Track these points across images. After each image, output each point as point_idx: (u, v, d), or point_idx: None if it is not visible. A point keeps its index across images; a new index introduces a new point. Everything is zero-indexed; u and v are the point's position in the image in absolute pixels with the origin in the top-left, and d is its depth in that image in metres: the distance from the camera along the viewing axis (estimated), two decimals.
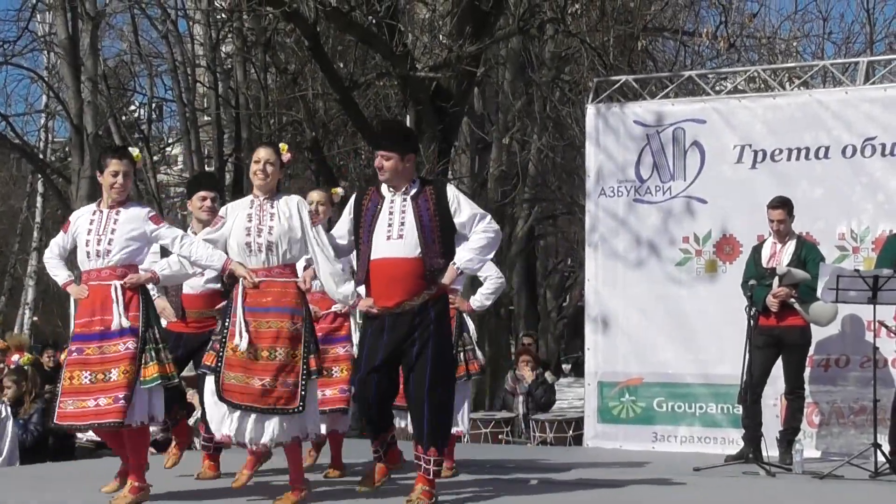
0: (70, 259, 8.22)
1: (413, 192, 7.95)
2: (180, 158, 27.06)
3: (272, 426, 7.74)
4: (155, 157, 27.58)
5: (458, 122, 17.85)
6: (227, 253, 7.93)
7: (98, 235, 7.91)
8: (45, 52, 27.13)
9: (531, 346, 16.60)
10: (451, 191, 8.10)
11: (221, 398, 7.70)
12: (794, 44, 24.71)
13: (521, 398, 14.54)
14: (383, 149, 7.90)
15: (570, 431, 13.17)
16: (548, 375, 15.49)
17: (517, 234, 24.64)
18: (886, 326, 10.75)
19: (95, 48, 23.62)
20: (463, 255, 7.89)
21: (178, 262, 8.11)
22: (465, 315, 9.64)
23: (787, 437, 10.54)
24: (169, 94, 26.68)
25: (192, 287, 8.92)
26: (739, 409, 10.82)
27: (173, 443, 9.52)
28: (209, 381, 7.82)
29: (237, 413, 7.71)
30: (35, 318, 31.43)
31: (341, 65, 19.00)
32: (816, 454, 11.17)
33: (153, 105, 29.29)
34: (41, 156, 28.49)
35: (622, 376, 12.26)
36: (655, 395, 12.22)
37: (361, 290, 8.07)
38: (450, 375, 8.15)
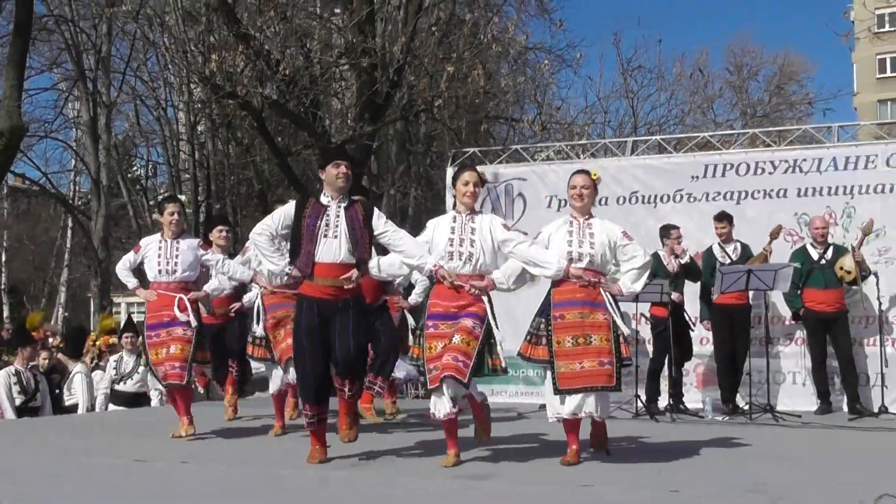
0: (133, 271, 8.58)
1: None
2: None
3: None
4: (151, 203, 27.41)
5: (360, 179, 17.87)
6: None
7: (167, 258, 8.30)
8: (74, 129, 27.00)
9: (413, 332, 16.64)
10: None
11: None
12: (586, 128, 25.09)
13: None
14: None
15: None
16: None
17: None
18: (644, 316, 10.96)
19: (109, 126, 23.60)
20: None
21: (217, 282, 8.69)
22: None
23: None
24: (160, 160, 26.75)
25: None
26: None
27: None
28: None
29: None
30: (66, 314, 31.12)
31: (280, 139, 18.93)
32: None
33: (149, 167, 29.13)
34: (70, 201, 28.13)
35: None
36: None
37: None
38: None
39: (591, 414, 6.77)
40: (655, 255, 10.82)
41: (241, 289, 9.34)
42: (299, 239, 6.86)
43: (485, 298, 6.82)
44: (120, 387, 12.06)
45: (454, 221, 6.93)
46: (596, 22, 57.80)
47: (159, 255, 8.29)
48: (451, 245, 6.82)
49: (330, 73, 17.10)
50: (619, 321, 6.80)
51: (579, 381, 6.69)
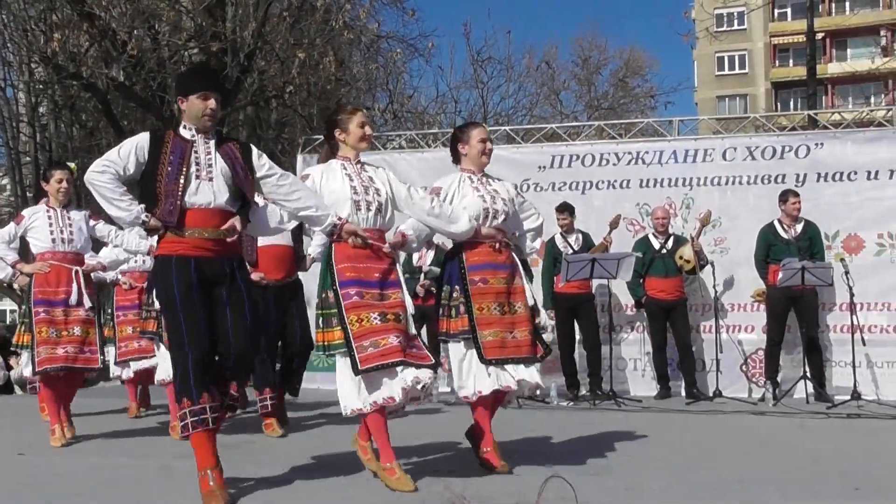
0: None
1: None
2: (8, 188, 25.89)
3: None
4: None
5: None
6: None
7: (59, 226, 7.59)
8: None
9: None
10: None
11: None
12: (437, 117, 25.24)
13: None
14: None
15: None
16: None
17: None
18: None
19: None
20: None
21: (115, 255, 8.00)
22: None
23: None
24: None
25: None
26: None
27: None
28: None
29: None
30: None
31: (126, 122, 18.44)
32: (448, 389, 11.40)
33: None
34: None
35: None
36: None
37: None
38: None
39: (529, 384, 5.92)
40: None
41: None
42: (156, 180, 5.22)
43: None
44: None
45: (346, 169, 5.72)
46: (447, 12, 58.14)
47: (50, 223, 7.61)
48: (357, 193, 5.60)
49: (178, 56, 16.75)
50: (530, 287, 6.16)
51: (509, 350, 5.88)
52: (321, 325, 5.55)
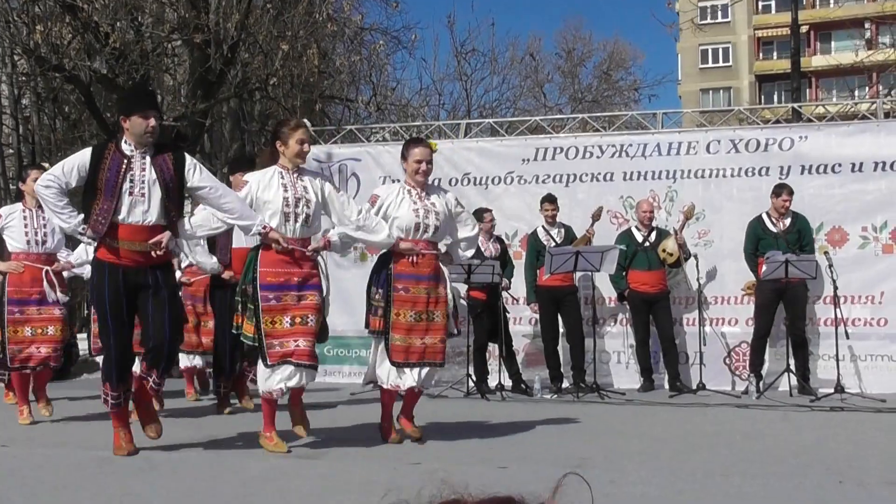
0: None
1: None
2: None
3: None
4: None
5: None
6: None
7: (34, 228, 7.79)
8: None
9: None
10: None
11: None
12: (421, 109, 25.20)
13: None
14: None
15: None
16: None
17: None
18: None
19: None
20: None
21: (86, 254, 7.94)
22: None
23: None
24: None
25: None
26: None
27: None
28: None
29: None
30: None
31: (109, 115, 18.34)
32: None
33: None
34: None
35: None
36: (325, 345, 12.14)
37: None
38: None
39: (421, 387, 6.76)
40: None
41: None
42: (94, 195, 5.90)
43: (320, 261, 6.53)
44: None
45: (282, 178, 6.38)
46: (431, 4, 57.99)
47: (26, 224, 7.79)
48: (287, 205, 6.28)
49: (162, 48, 16.69)
50: (452, 296, 6.77)
51: (415, 356, 6.57)
52: (239, 310, 6.37)
